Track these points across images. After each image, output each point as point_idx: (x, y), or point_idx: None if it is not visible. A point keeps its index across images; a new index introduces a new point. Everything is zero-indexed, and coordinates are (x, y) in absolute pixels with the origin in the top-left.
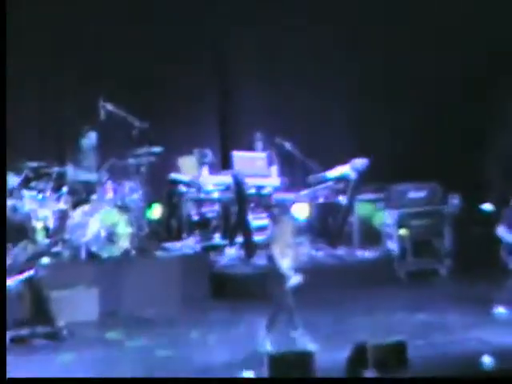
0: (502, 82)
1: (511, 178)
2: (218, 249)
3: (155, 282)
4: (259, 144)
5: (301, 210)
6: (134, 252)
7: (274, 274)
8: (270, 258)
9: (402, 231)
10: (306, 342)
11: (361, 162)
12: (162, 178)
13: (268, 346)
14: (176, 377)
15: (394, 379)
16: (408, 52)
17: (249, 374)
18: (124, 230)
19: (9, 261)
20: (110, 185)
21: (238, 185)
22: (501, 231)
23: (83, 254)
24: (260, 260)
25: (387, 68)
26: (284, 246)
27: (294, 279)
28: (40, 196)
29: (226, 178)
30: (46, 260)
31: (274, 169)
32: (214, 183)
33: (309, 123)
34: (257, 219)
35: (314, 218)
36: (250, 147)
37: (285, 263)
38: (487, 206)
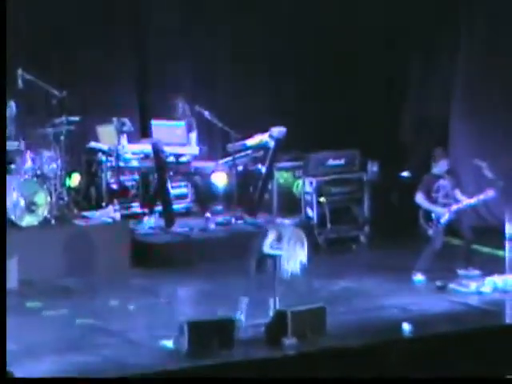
0: (421, 48)
1: (430, 145)
2: (138, 217)
3: (75, 250)
4: (180, 109)
5: (220, 179)
6: (53, 221)
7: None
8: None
9: (321, 199)
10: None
11: (278, 130)
12: (80, 147)
13: (242, 315)
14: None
15: (394, 379)
16: (327, 22)
17: (169, 342)
18: (43, 199)
19: None
20: (28, 154)
21: (157, 153)
22: (419, 198)
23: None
24: (179, 228)
25: (304, 38)
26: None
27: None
28: None
29: (144, 147)
30: None
31: (194, 137)
32: (132, 152)
33: (228, 92)
34: (176, 188)
35: (233, 186)
36: (170, 113)
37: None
38: (406, 174)
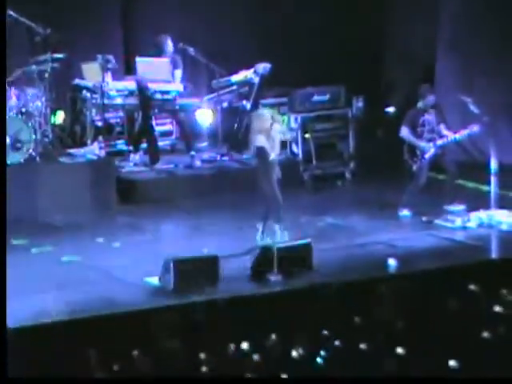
0: None
1: (415, 80)
2: (123, 154)
3: (60, 188)
4: (164, 46)
5: (204, 115)
6: (38, 158)
7: (263, 167)
8: (259, 151)
9: (306, 135)
10: (285, 236)
11: (263, 66)
12: (65, 84)
13: (262, 238)
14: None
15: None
16: None
17: (154, 279)
18: (28, 136)
19: None
20: (13, 91)
21: (142, 90)
22: (404, 132)
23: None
24: (164, 165)
25: None
26: (267, 137)
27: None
28: None
29: (129, 84)
30: None
31: (178, 74)
32: (117, 89)
33: (213, 27)
34: (161, 125)
35: (218, 123)
36: (158, 48)
37: (273, 153)
38: (391, 109)
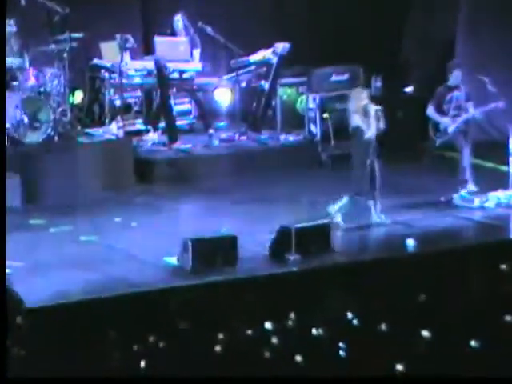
0: None
1: (434, 60)
2: (141, 134)
3: (79, 167)
4: (181, 24)
5: (223, 95)
6: (56, 138)
7: (357, 147)
8: (354, 130)
9: (325, 115)
10: (378, 212)
11: (283, 46)
12: (84, 64)
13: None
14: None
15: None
16: None
17: (172, 259)
18: (46, 116)
19: None
20: (31, 71)
21: (160, 70)
22: (429, 111)
23: (6, 141)
24: (182, 145)
25: None
26: (363, 116)
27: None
28: None
29: (147, 63)
30: None
31: (197, 53)
32: (135, 68)
33: (231, 6)
34: (179, 104)
35: (236, 102)
36: (172, 28)
37: (369, 132)
38: (409, 89)
